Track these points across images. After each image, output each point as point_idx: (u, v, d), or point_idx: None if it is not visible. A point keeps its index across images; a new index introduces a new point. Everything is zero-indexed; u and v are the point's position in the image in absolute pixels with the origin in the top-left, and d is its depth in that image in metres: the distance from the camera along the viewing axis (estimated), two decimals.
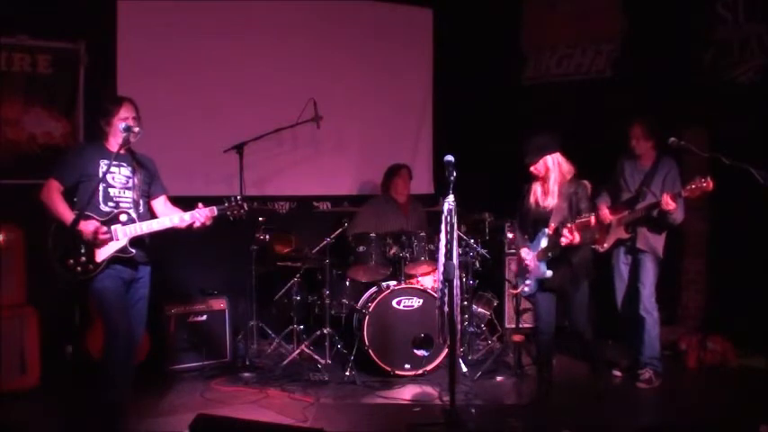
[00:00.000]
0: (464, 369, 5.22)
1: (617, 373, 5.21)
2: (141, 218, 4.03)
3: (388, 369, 5.15)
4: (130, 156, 4.10)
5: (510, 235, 6.18)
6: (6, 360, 4.64)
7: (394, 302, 5.24)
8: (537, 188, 4.46)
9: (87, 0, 5.44)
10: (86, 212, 3.84)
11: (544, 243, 4.39)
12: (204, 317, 5.43)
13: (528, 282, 4.52)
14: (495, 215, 6.07)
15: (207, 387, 4.96)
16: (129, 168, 4.05)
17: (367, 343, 5.12)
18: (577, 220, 4.26)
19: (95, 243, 3.85)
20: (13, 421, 4.21)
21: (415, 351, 5.21)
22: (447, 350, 4.28)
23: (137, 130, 3.98)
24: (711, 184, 4.40)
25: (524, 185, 4.55)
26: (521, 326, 5.62)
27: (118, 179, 4.01)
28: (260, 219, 5.40)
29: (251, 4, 6.18)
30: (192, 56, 5.91)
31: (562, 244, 4.27)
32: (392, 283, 5.39)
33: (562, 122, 6.29)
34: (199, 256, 5.74)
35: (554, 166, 4.36)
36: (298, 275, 5.75)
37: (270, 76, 6.23)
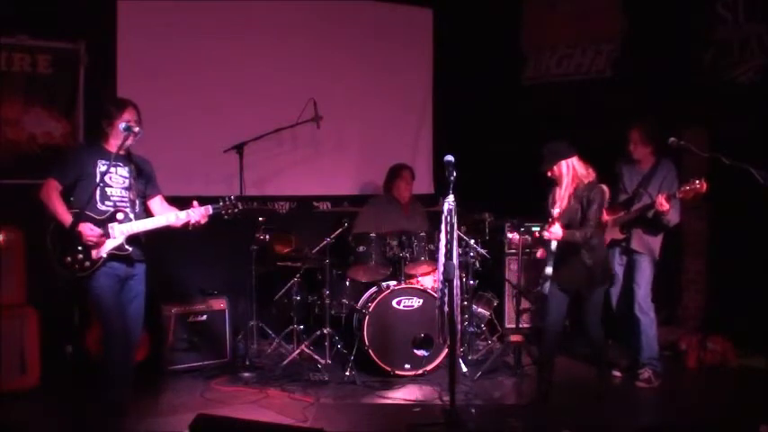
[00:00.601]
0: (464, 369, 5.22)
1: (616, 373, 5.20)
2: (137, 217, 4.11)
3: (388, 369, 5.15)
4: (128, 157, 4.15)
5: (510, 235, 6.19)
6: (6, 360, 4.64)
7: (394, 302, 5.24)
8: (556, 191, 4.53)
9: (87, 0, 5.44)
10: (85, 212, 3.89)
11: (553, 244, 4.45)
12: (204, 317, 5.43)
13: (544, 283, 4.53)
14: (495, 215, 6.08)
15: (207, 387, 4.96)
16: (127, 169, 4.12)
17: (367, 343, 5.12)
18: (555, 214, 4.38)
19: (92, 245, 3.92)
20: (13, 421, 4.21)
21: (415, 351, 5.21)
22: (447, 350, 4.29)
23: (137, 130, 4.03)
24: (705, 186, 4.42)
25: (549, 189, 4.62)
26: (520, 326, 5.62)
27: (115, 179, 4.07)
28: (260, 219, 5.40)
29: (251, 4, 6.18)
30: (192, 56, 5.91)
31: (544, 237, 4.40)
32: (392, 283, 5.39)
33: (562, 122, 6.30)
34: (199, 255, 5.74)
35: (567, 172, 4.42)
36: (298, 275, 5.75)
37: (270, 76, 6.23)
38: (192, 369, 5.28)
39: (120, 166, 4.08)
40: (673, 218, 4.85)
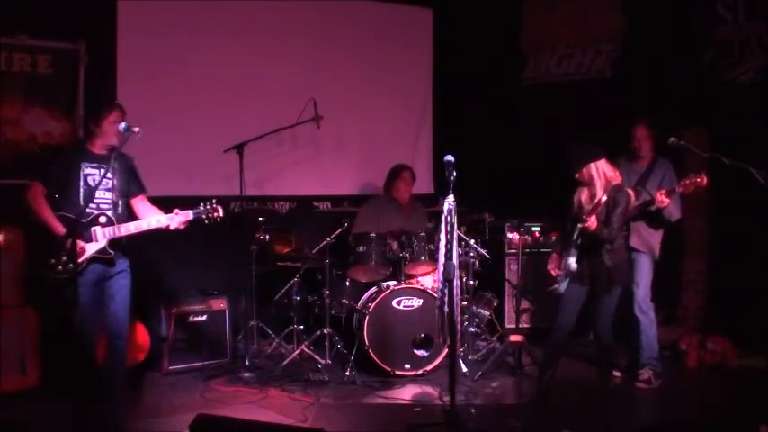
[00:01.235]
0: (464, 369, 5.22)
1: (616, 373, 5.20)
2: (120, 219, 4.13)
3: (388, 369, 5.15)
4: (110, 156, 4.11)
5: (510, 235, 6.18)
6: (6, 360, 4.64)
7: (394, 302, 5.24)
8: (584, 191, 4.44)
9: (87, 0, 5.44)
10: (67, 214, 3.95)
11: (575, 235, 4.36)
12: (204, 317, 5.44)
13: (562, 282, 4.45)
14: (495, 215, 6.07)
15: (207, 387, 4.97)
16: (109, 170, 4.08)
17: (367, 343, 5.12)
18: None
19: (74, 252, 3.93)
20: (13, 421, 4.20)
21: (415, 351, 5.21)
22: (447, 350, 4.29)
23: (136, 130, 4.01)
24: (705, 180, 4.42)
25: (573, 192, 4.51)
26: (520, 326, 5.62)
27: (98, 181, 4.07)
28: (260, 219, 5.41)
29: (251, 4, 6.18)
30: (191, 56, 5.91)
31: (579, 226, 4.24)
32: (392, 283, 5.39)
33: (562, 122, 6.30)
34: (199, 256, 5.74)
35: (599, 175, 4.35)
36: (298, 275, 5.74)
37: (270, 76, 6.23)
38: (192, 369, 5.28)
39: (102, 167, 4.08)
40: (674, 213, 4.84)
